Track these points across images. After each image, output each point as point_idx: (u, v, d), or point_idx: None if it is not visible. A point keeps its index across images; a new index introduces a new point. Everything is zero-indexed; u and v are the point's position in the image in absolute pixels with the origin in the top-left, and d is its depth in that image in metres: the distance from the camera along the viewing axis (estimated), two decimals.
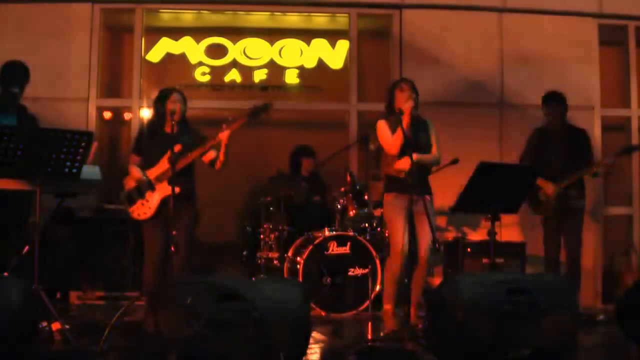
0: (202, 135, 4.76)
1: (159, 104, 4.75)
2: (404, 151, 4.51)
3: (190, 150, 4.61)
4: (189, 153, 4.59)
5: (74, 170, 3.91)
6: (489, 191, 4.18)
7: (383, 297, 4.68)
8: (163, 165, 4.62)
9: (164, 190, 4.58)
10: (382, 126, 4.67)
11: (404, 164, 4.51)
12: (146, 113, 6.74)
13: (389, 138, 4.60)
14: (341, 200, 5.61)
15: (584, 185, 5.57)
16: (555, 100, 5.55)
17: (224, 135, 4.61)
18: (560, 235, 5.53)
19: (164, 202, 4.59)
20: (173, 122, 4.49)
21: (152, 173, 4.66)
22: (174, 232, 4.22)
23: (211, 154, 4.70)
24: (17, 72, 4.71)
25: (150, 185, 4.63)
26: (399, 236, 4.53)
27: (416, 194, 4.54)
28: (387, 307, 4.61)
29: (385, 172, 4.73)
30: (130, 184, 4.73)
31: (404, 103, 4.50)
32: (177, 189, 4.35)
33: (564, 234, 5.52)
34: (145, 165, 4.71)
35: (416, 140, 4.55)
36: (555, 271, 5.52)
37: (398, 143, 4.50)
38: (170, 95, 4.72)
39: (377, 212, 5.69)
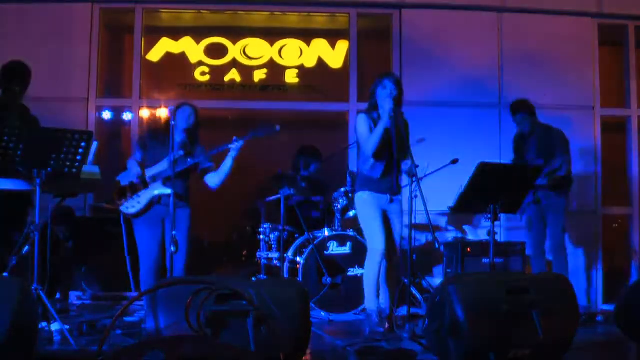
0: (202, 148, 4.84)
1: (172, 114, 4.76)
2: (379, 153, 4.51)
3: (194, 159, 4.69)
4: (189, 158, 4.66)
5: (74, 170, 3.91)
6: (489, 191, 4.18)
7: (366, 300, 4.66)
8: (162, 166, 4.65)
9: (158, 189, 4.65)
10: (362, 121, 4.59)
11: None
12: (146, 113, 6.75)
13: (366, 135, 4.54)
14: (341, 200, 5.61)
15: (559, 180, 5.57)
16: (519, 112, 5.71)
17: (237, 145, 4.69)
18: (542, 228, 5.66)
19: (154, 200, 4.64)
20: (173, 123, 4.49)
21: (149, 172, 4.70)
22: (173, 233, 4.22)
23: (210, 168, 4.79)
24: (18, 72, 4.70)
25: (144, 182, 4.66)
26: (379, 236, 4.52)
27: (392, 194, 4.59)
28: (372, 310, 4.60)
29: (360, 169, 4.68)
30: (126, 178, 4.75)
31: (387, 104, 4.47)
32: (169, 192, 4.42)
33: (548, 224, 5.65)
34: (145, 165, 4.75)
35: (393, 141, 4.50)
36: (541, 263, 5.67)
37: (373, 143, 4.46)
38: (179, 107, 4.79)
39: None
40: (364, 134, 4.56)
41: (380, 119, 4.48)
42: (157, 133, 4.85)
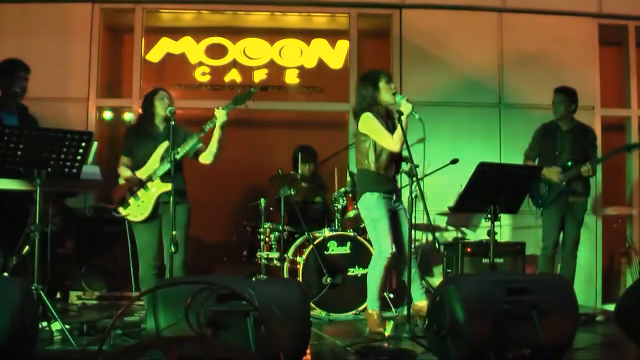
0: (190, 131, 4.75)
1: (147, 103, 4.75)
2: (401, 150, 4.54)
3: (180, 146, 4.57)
4: (179, 148, 4.55)
5: (74, 170, 3.91)
6: (489, 191, 4.18)
7: (368, 301, 4.68)
8: (154, 163, 4.62)
9: (158, 188, 4.59)
10: (373, 118, 4.58)
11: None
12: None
13: (382, 131, 4.55)
14: (341, 200, 5.61)
15: (588, 183, 5.57)
16: (561, 93, 5.58)
17: (219, 114, 4.57)
18: (559, 230, 5.54)
19: (158, 201, 4.60)
20: (172, 123, 4.45)
21: (143, 173, 4.65)
22: (173, 232, 4.20)
23: (202, 149, 4.70)
24: (17, 69, 4.67)
25: (142, 184, 4.61)
26: (386, 240, 4.52)
27: (397, 193, 4.61)
28: (373, 310, 4.62)
29: (367, 169, 4.66)
30: (120, 188, 4.68)
31: (401, 103, 4.47)
32: (170, 186, 4.35)
33: (564, 229, 5.54)
34: (135, 166, 4.69)
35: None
36: (550, 266, 5.56)
37: (401, 141, 4.47)
38: (156, 94, 4.71)
39: None
40: (380, 130, 4.54)
41: (400, 113, 4.45)
42: (138, 132, 4.74)
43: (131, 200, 4.62)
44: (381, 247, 4.56)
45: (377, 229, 4.59)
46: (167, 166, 4.52)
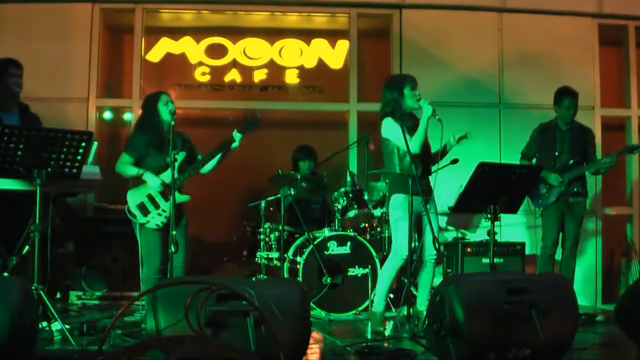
0: (192, 144, 4.87)
1: (150, 109, 4.73)
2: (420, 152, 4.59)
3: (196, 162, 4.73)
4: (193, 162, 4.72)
5: (74, 170, 3.91)
6: (489, 191, 4.18)
7: (375, 299, 4.70)
8: (171, 172, 4.59)
9: (177, 199, 4.53)
10: (393, 122, 4.65)
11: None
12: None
13: (401, 134, 4.57)
14: (341, 200, 5.61)
15: (586, 183, 5.59)
16: (571, 97, 5.58)
17: (238, 137, 4.76)
18: (559, 230, 5.55)
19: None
20: (172, 123, 4.45)
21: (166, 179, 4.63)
22: (173, 232, 4.20)
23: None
24: (8, 66, 4.65)
25: (165, 192, 4.61)
26: (406, 242, 4.52)
27: (426, 195, 4.60)
28: (377, 310, 4.63)
29: (394, 171, 4.71)
30: (140, 191, 4.65)
31: (424, 106, 4.53)
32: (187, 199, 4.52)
33: (563, 228, 5.56)
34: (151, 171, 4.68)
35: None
36: (549, 266, 5.56)
37: (420, 142, 4.55)
38: (159, 100, 4.71)
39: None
40: (399, 133, 4.57)
41: (423, 114, 4.56)
42: (148, 136, 4.70)
43: (151, 208, 4.61)
44: (398, 248, 4.59)
45: (397, 229, 4.63)
46: (184, 178, 4.65)
